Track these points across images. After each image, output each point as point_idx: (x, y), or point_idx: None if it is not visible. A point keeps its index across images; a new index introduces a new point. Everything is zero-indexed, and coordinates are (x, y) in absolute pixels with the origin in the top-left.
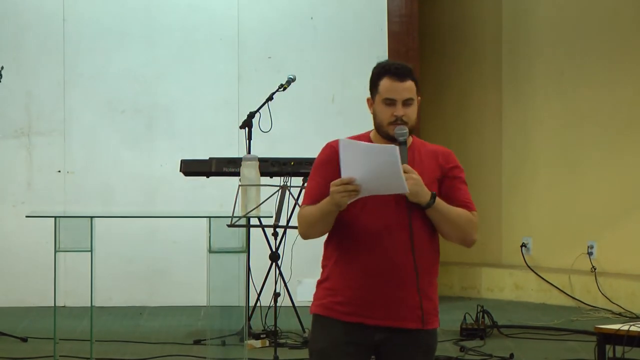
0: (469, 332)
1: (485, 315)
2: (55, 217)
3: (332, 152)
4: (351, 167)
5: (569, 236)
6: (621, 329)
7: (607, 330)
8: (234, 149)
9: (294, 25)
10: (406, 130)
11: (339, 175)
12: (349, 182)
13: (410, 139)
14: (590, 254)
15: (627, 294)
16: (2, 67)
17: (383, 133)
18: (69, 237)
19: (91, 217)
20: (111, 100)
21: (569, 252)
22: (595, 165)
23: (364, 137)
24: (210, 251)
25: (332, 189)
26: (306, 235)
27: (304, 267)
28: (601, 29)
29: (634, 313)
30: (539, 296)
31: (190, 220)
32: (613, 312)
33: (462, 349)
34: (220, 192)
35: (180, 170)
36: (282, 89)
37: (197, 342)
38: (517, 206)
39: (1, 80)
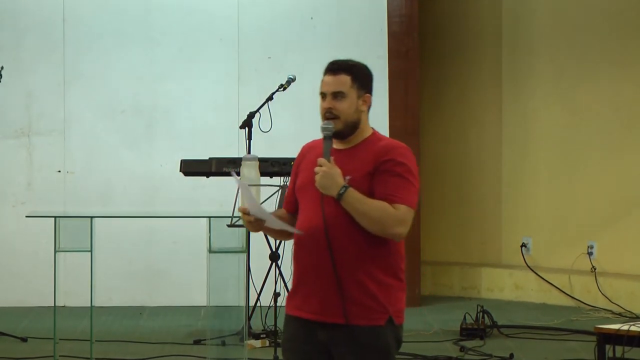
0: (469, 332)
1: (485, 315)
2: (55, 217)
3: (299, 153)
4: (244, 199)
5: (568, 236)
6: (621, 329)
7: (607, 330)
8: (234, 149)
9: (294, 25)
10: (331, 125)
11: (295, 177)
12: (243, 212)
13: (366, 134)
14: (590, 254)
15: (627, 294)
16: (2, 67)
17: None
18: (69, 237)
19: (91, 217)
20: (111, 100)
21: (569, 252)
22: (595, 165)
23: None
24: (210, 251)
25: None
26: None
27: None
28: (601, 28)
29: (634, 313)
30: (539, 296)
31: (190, 220)
32: (613, 312)
33: (462, 349)
34: (220, 192)
35: (180, 170)
36: (282, 89)
37: (197, 342)
38: (517, 206)
39: (1, 80)
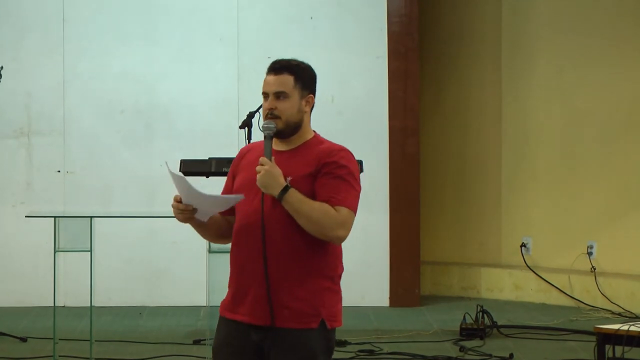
0: (468, 332)
1: (485, 315)
2: (55, 217)
3: (237, 155)
4: (180, 190)
5: (568, 236)
6: (621, 329)
7: (606, 330)
8: (233, 149)
9: (294, 25)
10: (273, 125)
11: (232, 178)
12: (177, 201)
13: (308, 136)
14: (590, 254)
15: (627, 294)
16: (2, 67)
17: None
18: (68, 237)
19: (91, 217)
20: (111, 100)
21: (569, 252)
22: (595, 166)
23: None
24: (210, 251)
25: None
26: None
27: None
28: (601, 29)
29: (633, 313)
30: (539, 296)
31: None
32: (613, 312)
33: (462, 349)
34: (220, 192)
35: (180, 170)
36: None
37: (197, 342)
38: (517, 206)
39: (1, 80)
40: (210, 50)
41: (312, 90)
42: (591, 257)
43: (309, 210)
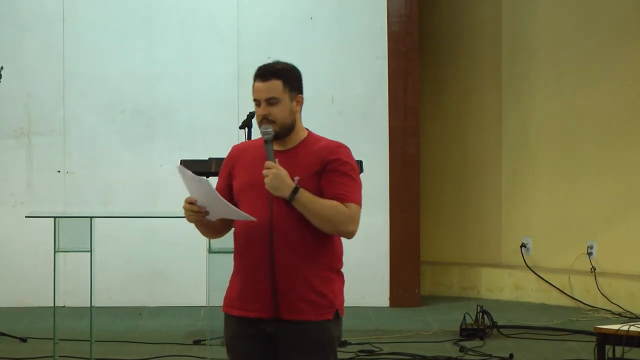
0: (468, 332)
1: (485, 316)
2: (55, 217)
3: (230, 154)
4: (192, 191)
5: (568, 236)
6: (621, 329)
7: (606, 330)
8: None
9: (294, 25)
10: (271, 129)
11: (228, 177)
12: (191, 203)
13: (303, 135)
14: (590, 254)
15: (627, 294)
16: (2, 67)
17: None
18: (68, 238)
19: (91, 218)
20: (111, 100)
21: (569, 252)
22: (595, 166)
23: (262, 141)
24: (210, 251)
25: (183, 205)
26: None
27: None
28: (601, 29)
29: (633, 313)
30: (539, 296)
31: None
32: (613, 312)
33: (462, 349)
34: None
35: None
36: None
37: (196, 342)
38: (517, 206)
39: (1, 80)
40: (210, 50)
41: (300, 90)
42: (591, 257)
43: (320, 208)
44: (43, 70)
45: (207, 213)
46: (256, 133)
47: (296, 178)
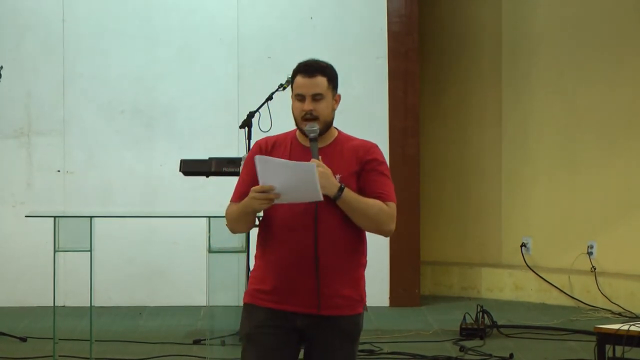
0: (468, 332)
1: (485, 315)
2: (54, 217)
3: (258, 150)
4: (270, 178)
5: (568, 236)
6: (621, 329)
7: (606, 330)
8: (233, 149)
9: (293, 26)
10: (316, 127)
11: (253, 174)
12: (268, 190)
13: (335, 133)
14: (590, 254)
15: (627, 294)
16: (2, 67)
17: (299, 129)
18: (68, 237)
19: (91, 217)
20: (111, 100)
21: (569, 252)
22: (595, 165)
23: (290, 135)
24: (210, 251)
25: (251, 194)
26: (232, 230)
27: None
28: (601, 29)
29: (633, 313)
30: (539, 296)
31: (190, 220)
32: (613, 312)
33: (462, 348)
34: (220, 192)
35: (180, 170)
36: (281, 89)
37: (197, 342)
38: (517, 206)
39: (1, 80)
40: (210, 50)
41: (337, 89)
42: (591, 257)
43: (365, 207)
44: (43, 70)
45: (278, 196)
46: (257, 133)
47: (338, 176)
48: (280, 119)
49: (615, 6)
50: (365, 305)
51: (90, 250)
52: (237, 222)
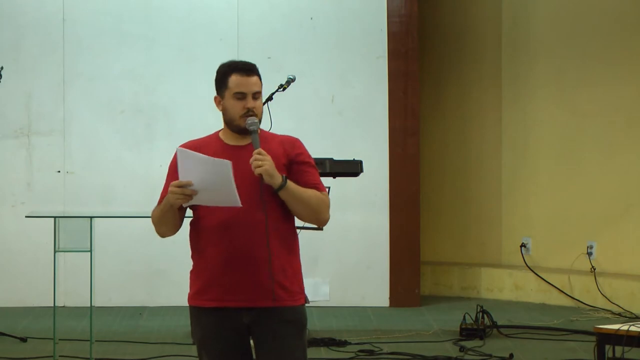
0: (468, 332)
1: (485, 316)
2: (55, 217)
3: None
4: (189, 173)
5: (568, 236)
6: (621, 329)
7: (606, 330)
8: None
9: (293, 26)
10: (257, 120)
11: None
12: (185, 185)
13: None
14: (589, 254)
15: (627, 294)
16: (2, 67)
17: (235, 127)
18: (68, 237)
19: (91, 217)
20: (111, 100)
21: (569, 252)
22: (595, 165)
23: (213, 138)
24: None
25: (169, 189)
26: (160, 233)
27: (302, 266)
28: (601, 29)
29: (633, 313)
30: (539, 296)
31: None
32: (612, 312)
33: (462, 349)
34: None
35: None
36: (282, 89)
37: None
38: (516, 206)
39: (1, 80)
40: (210, 50)
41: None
42: (591, 257)
43: (307, 197)
44: (43, 70)
45: (195, 192)
46: None
47: None
48: (280, 119)
49: (615, 6)
50: (306, 297)
51: (90, 250)
52: (160, 223)
